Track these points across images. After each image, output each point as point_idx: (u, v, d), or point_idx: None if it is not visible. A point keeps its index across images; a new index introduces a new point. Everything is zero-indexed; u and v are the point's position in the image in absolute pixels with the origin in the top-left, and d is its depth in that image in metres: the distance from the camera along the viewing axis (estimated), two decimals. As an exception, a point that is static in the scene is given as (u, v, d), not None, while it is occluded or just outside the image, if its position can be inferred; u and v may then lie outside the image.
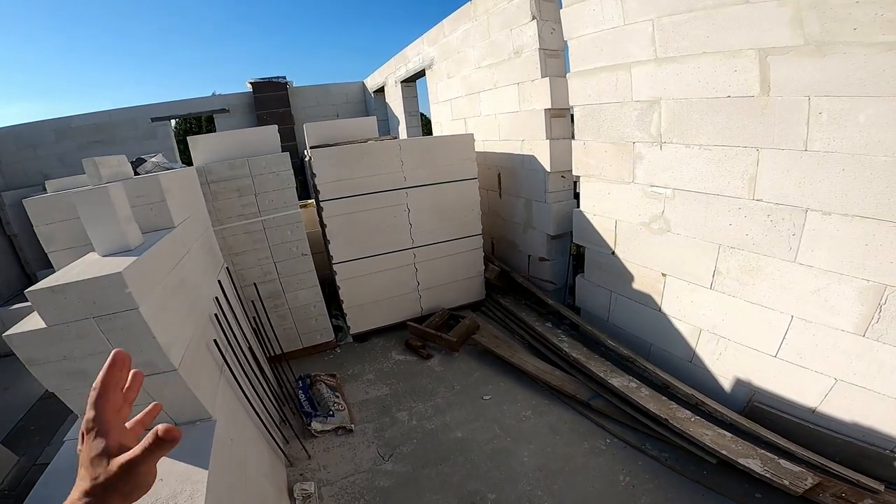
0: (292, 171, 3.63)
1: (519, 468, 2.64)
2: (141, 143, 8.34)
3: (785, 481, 2.08)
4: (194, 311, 2.17)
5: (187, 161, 5.22)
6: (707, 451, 2.40)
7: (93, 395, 0.53)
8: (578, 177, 3.68)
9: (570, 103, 3.56)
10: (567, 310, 4.06)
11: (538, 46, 3.80)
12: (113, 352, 0.56)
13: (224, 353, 2.31)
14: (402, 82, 7.51)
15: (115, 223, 1.77)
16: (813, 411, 2.35)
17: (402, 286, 4.32)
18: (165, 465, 1.56)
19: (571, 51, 3.36)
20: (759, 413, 2.58)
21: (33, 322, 1.56)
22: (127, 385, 0.58)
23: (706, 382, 2.89)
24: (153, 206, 2.18)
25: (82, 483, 0.51)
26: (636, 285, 3.31)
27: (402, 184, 4.01)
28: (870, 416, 2.13)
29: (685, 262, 2.87)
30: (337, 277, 4.05)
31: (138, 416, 0.61)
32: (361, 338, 4.36)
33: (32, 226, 2.17)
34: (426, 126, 9.08)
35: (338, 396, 3.30)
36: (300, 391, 3.36)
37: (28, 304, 1.52)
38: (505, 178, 4.85)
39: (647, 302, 3.24)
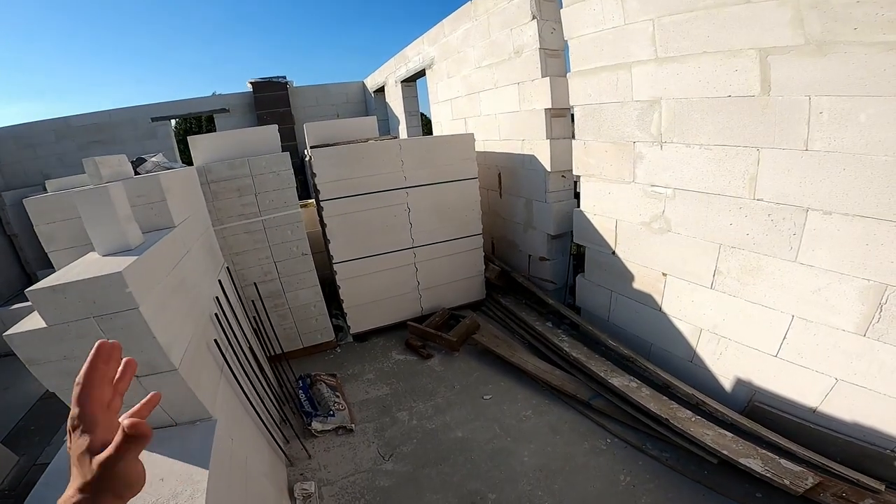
0: (292, 171, 3.63)
1: (519, 468, 2.64)
2: (141, 142, 8.34)
3: (786, 481, 2.08)
4: (194, 310, 2.17)
5: (187, 161, 5.22)
6: (708, 450, 2.40)
7: (76, 390, 0.51)
8: (579, 176, 3.68)
9: (571, 103, 3.56)
10: (567, 309, 4.06)
11: (538, 46, 3.79)
12: (97, 343, 0.52)
13: (224, 352, 2.31)
14: (402, 82, 7.51)
15: (116, 223, 1.77)
16: (814, 411, 2.35)
17: (403, 286, 4.32)
18: (166, 466, 1.56)
19: (572, 50, 3.36)
20: (760, 413, 2.58)
21: (34, 322, 1.56)
22: (117, 376, 0.55)
23: (707, 382, 2.89)
24: (153, 205, 2.18)
25: (74, 481, 0.50)
26: (637, 285, 3.31)
27: (403, 183, 4.01)
28: (870, 415, 2.13)
29: (686, 261, 2.87)
30: (337, 277, 4.05)
31: (134, 408, 0.57)
32: (362, 337, 4.36)
33: (32, 225, 2.17)
34: (426, 126, 9.07)
35: (338, 396, 3.30)
36: (300, 391, 3.36)
37: (28, 303, 1.52)
38: (505, 178, 4.84)
39: (647, 302, 3.24)
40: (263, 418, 2.57)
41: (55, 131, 8.00)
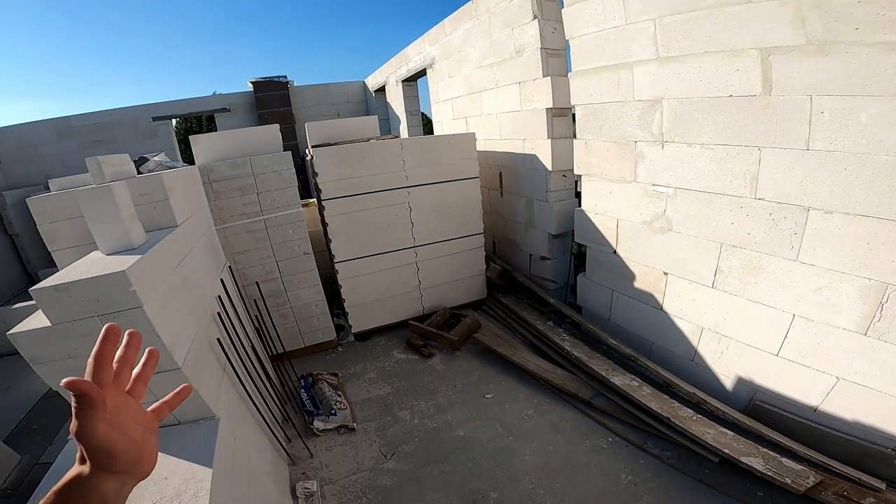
0: (294, 170, 3.63)
1: (521, 467, 2.65)
2: (142, 142, 8.35)
3: (787, 479, 2.08)
4: (197, 309, 2.18)
5: (189, 160, 5.22)
6: (709, 449, 2.41)
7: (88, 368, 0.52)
8: (580, 176, 3.68)
9: (572, 102, 3.57)
10: (568, 308, 4.07)
11: (539, 46, 3.80)
12: (106, 325, 0.53)
13: (227, 351, 2.32)
14: (403, 81, 7.51)
15: (119, 222, 1.77)
16: (815, 410, 2.35)
17: (404, 285, 4.33)
18: (170, 464, 1.57)
19: (573, 50, 3.36)
20: (761, 411, 2.58)
21: (37, 320, 1.56)
22: (140, 365, 0.58)
23: (708, 381, 2.90)
24: (156, 204, 2.19)
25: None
26: (638, 284, 3.31)
27: (404, 183, 4.01)
28: (871, 414, 2.13)
29: (687, 260, 2.88)
30: (338, 276, 4.06)
31: (165, 398, 0.61)
32: (363, 337, 4.37)
33: (34, 225, 2.18)
34: (426, 125, 9.08)
35: (340, 395, 3.31)
36: (302, 390, 3.36)
37: (30, 303, 1.53)
38: (506, 178, 4.85)
39: (648, 301, 3.25)
40: (266, 417, 2.57)
41: (56, 131, 8.01)
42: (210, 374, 2.04)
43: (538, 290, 4.42)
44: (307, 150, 4.32)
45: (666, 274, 3.06)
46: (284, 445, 2.75)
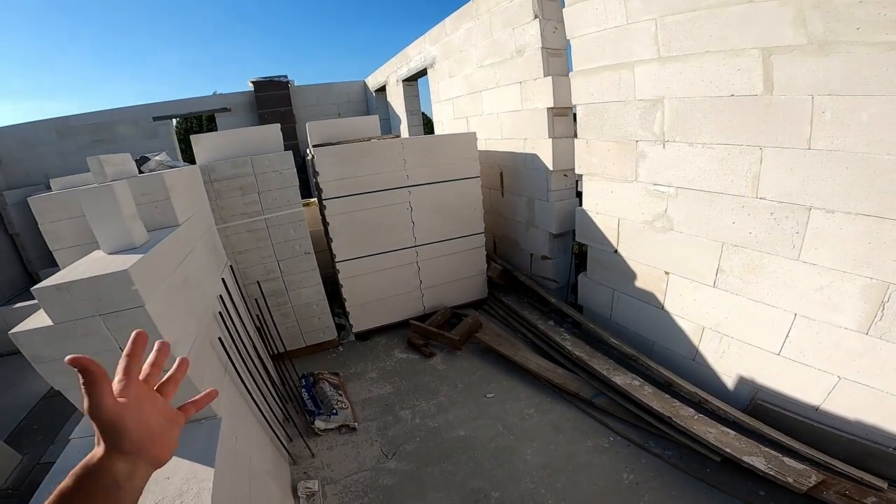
0: (295, 170, 3.63)
1: (522, 466, 2.65)
2: (143, 142, 8.34)
3: (789, 479, 2.08)
4: (198, 308, 2.18)
5: (189, 160, 5.22)
6: (711, 448, 2.41)
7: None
8: (581, 175, 3.68)
9: (573, 102, 3.57)
10: (569, 308, 4.07)
11: (540, 45, 3.80)
12: (135, 332, 0.60)
13: (228, 351, 2.32)
14: (403, 81, 7.51)
15: (121, 221, 1.77)
16: (816, 409, 2.35)
17: (405, 284, 4.33)
18: (172, 464, 1.56)
19: (574, 50, 3.36)
20: (763, 411, 2.58)
21: (39, 319, 1.56)
22: (172, 370, 0.66)
23: (709, 380, 2.90)
24: (158, 204, 2.19)
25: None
26: (639, 283, 3.31)
27: (405, 182, 4.01)
28: (873, 413, 2.13)
29: (688, 260, 2.88)
30: (339, 276, 4.06)
31: (193, 398, 0.68)
32: (364, 336, 4.37)
33: (35, 225, 2.18)
34: (427, 125, 9.08)
35: (341, 395, 3.31)
36: (303, 389, 3.36)
37: (31, 302, 1.53)
38: (507, 177, 4.85)
39: (649, 300, 3.25)
40: (267, 417, 2.57)
41: (56, 131, 8.01)
42: (212, 374, 2.04)
43: (539, 290, 4.42)
44: (308, 150, 4.32)
45: (667, 273, 3.06)
46: (286, 445, 2.75)
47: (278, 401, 2.97)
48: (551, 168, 4.04)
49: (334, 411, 3.11)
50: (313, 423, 3.05)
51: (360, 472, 2.72)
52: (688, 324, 2.99)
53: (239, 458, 1.88)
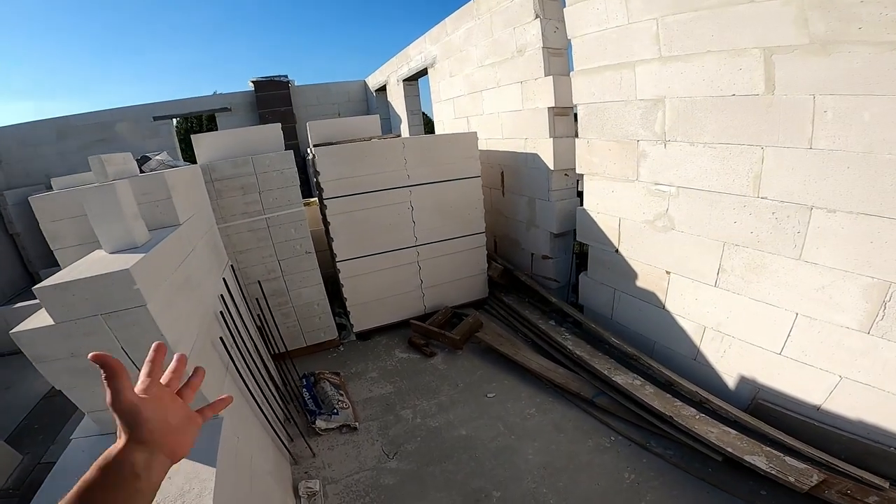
0: (296, 169, 3.63)
1: (523, 466, 2.65)
2: (143, 141, 8.34)
3: (791, 478, 2.08)
4: (200, 308, 2.18)
5: (189, 160, 5.22)
6: (712, 448, 2.41)
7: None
8: (582, 175, 3.68)
9: (574, 102, 3.56)
10: (570, 307, 4.07)
11: (541, 45, 3.79)
12: (155, 343, 0.66)
13: (229, 350, 2.31)
14: (404, 81, 7.51)
15: (122, 220, 1.77)
16: (818, 409, 2.35)
17: (406, 284, 4.33)
18: (174, 463, 1.56)
19: (575, 49, 3.36)
20: (764, 410, 2.58)
21: (41, 319, 1.56)
22: (188, 380, 0.72)
23: (710, 380, 2.90)
24: (159, 203, 2.19)
25: None
26: (640, 283, 3.31)
27: (406, 182, 4.01)
28: (875, 413, 2.13)
29: (689, 259, 2.88)
30: (340, 275, 4.06)
31: (211, 402, 0.73)
32: (364, 336, 4.37)
33: (35, 224, 2.17)
34: (427, 125, 9.08)
35: (342, 394, 3.31)
36: (304, 389, 3.36)
37: (31, 302, 1.53)
38: (508, 177, 4.85)
39: (650, 300, 3.25)
40: (268, 416, 2.57)
41: (57, 130, 8.01)
42: (213, 373, 2.04)
43: (540, 289, 4.42)
44: (308, 150, 4.32)
45: (668, 273, 3.06)
46: (287, 444, 2.75)
47: (279, 400, 2.97)
48: (552, 168, 4.04)
49: (335, 411, 3.10)
50: (314, 423, 3.05)
51: (362, 472, 2.71)
52: (689, 323, 2.99)
53: (240, 457, 1.88)
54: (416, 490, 2.56)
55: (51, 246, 2.18)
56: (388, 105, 8.81)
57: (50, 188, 2.73)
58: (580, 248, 4.24)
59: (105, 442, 1.71)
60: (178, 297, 1.91)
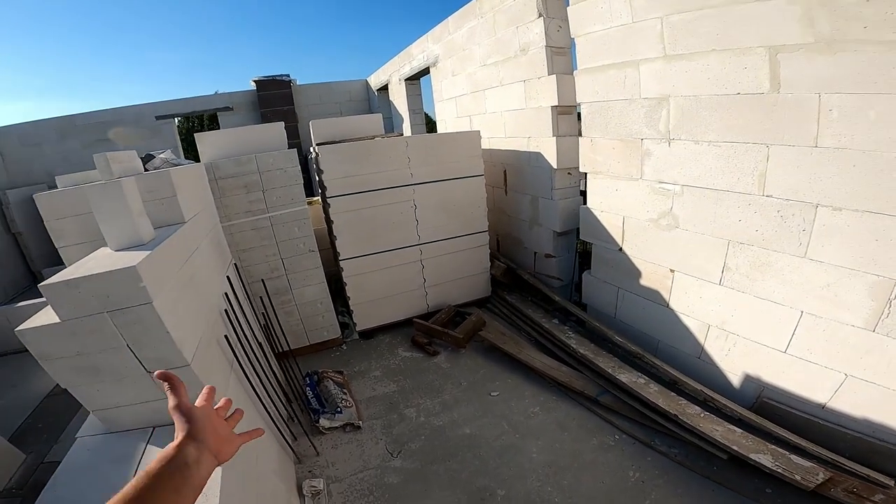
0: (300, 168, 3.63)
1: (527, 464, 2.65)
2: (145, 141, 8.33)
3: (796, 476, 2.08)
4: (205, 306, 2.18)
5: (191, 159, 5.22)
6: (717, 446, 2.41)
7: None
8: (585, 173, 3.68)
9: (577, 100, 3.56)
10: (574, 306, 4.06)
11: (545, 44, 3.79)
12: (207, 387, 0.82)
13: (234, 349, 2.31)
14: (406, 80, 7.51)
15: (128, 218, 1.77)
16: (823, 407, 2.35)
17: (409, 283, 4.33)
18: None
19: (579, 48, 3.35)
20: (769, 409, 2.58)
21: (46, 317, 1.55)
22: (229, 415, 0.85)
23: (715, 378, 2.90)
24: (164, 201, 2.19)
25: None
26: (644, 281, 3.31)
27: (409, 180, 4.01)
28: (880, 411, 2.13)
29: (694, 257, 2.87)
30: (343, 274, 4.06)
31: (246, 431, 0.85)
32: (368, 334, 4.37)
33: (38, 223, 2.18)
34: (429, 125, 9.08)
35: (345, 393, 3.31)
36: (308, 388, 3.36)
37: (35, 301, 1.52)
38: (511, 175, 4.85)
39: (654, 298, 3.24)
40: (272, 415, 2.57)
41: (59, 130, 8.00)
42: (218, 372, 2.04)
43: (543, 288, 4.42)
44: (311, 148, 4.32)
45: (672, 271, 3.05)
46: (291, 443, 2.75)
47: (283, 399, 2.97)
48: (555, 166, 4.04)
49: (339, 410, 3.11)
50: (318, 422, 3.05)
51: (366, 471, 2.71)
52: (693, 322, 2.99)
53: (246, 456, 1.88)
54: (420, 489, 2.56)
55: (55, 243, 2.18)
56: (390, 104, 8.81)
57: (53, 187, 2.73)
58: (583, 246, 4.25)
59: (111, 440, 1.72)
60: (184, 294, 1.91)
